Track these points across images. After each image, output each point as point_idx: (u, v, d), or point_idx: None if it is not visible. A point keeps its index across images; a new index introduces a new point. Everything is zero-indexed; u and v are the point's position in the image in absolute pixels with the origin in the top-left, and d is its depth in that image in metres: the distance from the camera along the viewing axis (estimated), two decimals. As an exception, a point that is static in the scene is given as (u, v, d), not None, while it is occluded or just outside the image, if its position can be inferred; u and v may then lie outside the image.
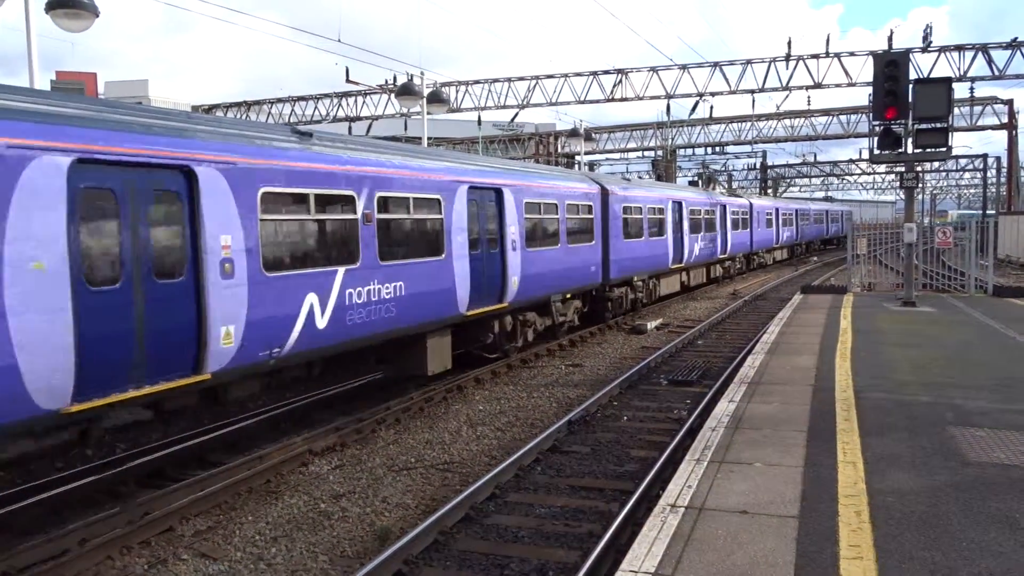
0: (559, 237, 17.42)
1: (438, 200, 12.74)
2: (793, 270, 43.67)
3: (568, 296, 18.18)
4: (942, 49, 33.09)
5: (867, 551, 5.17)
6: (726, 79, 36.12)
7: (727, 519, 5.80)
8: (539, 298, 16.35)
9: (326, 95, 42.72)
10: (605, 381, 14.50)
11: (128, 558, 7.35)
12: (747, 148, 60.70)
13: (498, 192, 14.77)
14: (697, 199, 29.94)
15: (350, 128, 41.07)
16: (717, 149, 57.54)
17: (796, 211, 50.96)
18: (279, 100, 43.91)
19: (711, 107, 45.32)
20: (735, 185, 76.39)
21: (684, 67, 36.64)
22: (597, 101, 37.96)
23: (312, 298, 9.87)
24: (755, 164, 73.26)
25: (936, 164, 63.83)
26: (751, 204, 39.20)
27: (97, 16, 13.15)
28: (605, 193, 20.33)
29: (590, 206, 19.20)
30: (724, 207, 33.35)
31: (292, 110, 43.44)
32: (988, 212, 55.64)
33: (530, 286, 15.68)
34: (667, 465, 9.13)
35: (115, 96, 41.93)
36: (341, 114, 42.25)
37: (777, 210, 45.40)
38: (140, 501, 8.26)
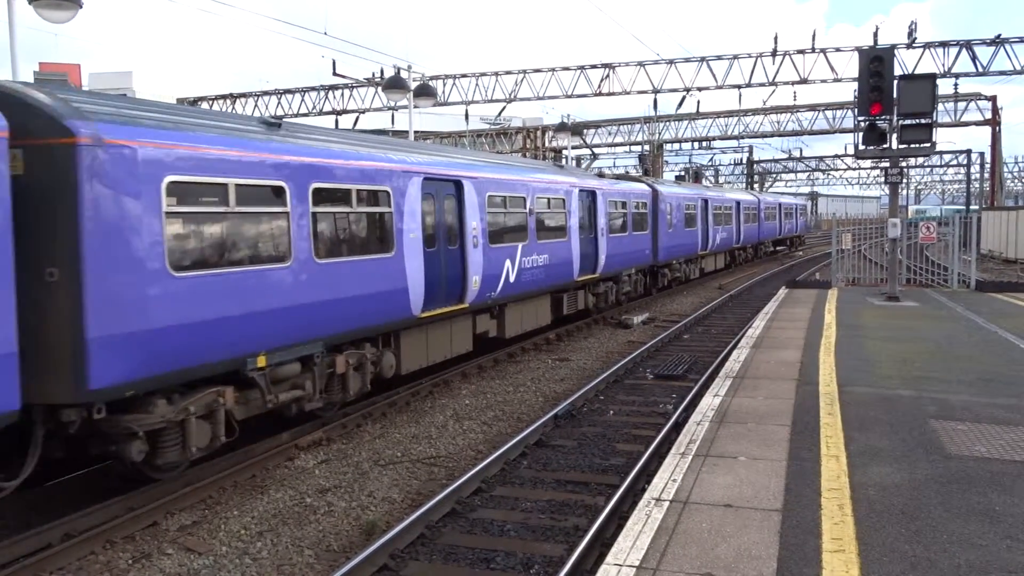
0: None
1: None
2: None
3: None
4: (927, 45, 33.29)
5: (849, 544, 5.22)
6: (713, 74, 36.20)
7: (711, 512, 5.84)
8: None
9: (312, 88, 42.51)
10: (591, 375, 14.54)
11: (112, 552, 7.32)
12: (733, 143, 60.97)
13: (458, 184, 13.59)
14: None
15: (336, 122, 40.91)
16: (704, 144, 57.77)
17: (737, 204, 38.31)
18: (265, 93, 43.65)
19: (698, 102, 45.49)
20: (722, 180, 76.65)
21: (671, 62, 36.70)
22: (585, 95, 37.97)
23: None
24: (742, 159, 73.55)
25: (920, 159, 64.22)
26: (658, 192, 26.15)
27: (80, 7, 13.03)
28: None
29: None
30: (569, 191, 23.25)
31: (279, 103, 43.20)
32: (971, 207, 56.02)
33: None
34: (652, 459, 9.17)
35: (98, 88, 41.50)
36: (328, 108, 42.05)
37: (706, 202, 32.38)
38: (124, 495, 8.21)
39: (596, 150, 50.16)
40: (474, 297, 13.85)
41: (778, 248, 53.46)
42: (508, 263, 15.10)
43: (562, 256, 17.85)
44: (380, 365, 11.58)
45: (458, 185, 13.60)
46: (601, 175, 23.93)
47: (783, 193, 79.53)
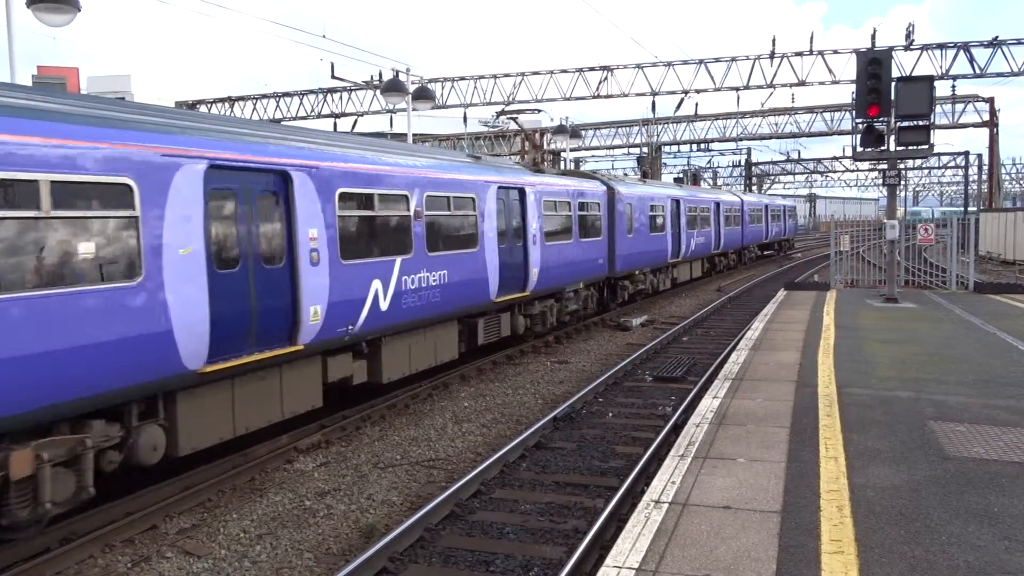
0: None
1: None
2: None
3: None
4: (924, 47, 33.35)
5: (848, 545, 5.23)
6: (711, 76, 36.26)
7: (710, 514, 5.84)
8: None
9: (311, 91, 42.55)
10: (591, 377, 14.55)
11: (111, 556, 7.32)
12: (732, 145, 61.03)
13: (284, 176, 9.83)
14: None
15: (335, 124, 40.94)
16: (702, 146, 57.81)
17: (716, 205, 34.77)
18: (264, 96, 43.69)
19: (696, 104, 45.61)
20: (720, 183, 76.68)
21: (669, 64, 36.75)
22: (583, 98, 38.04)
23: None
24: (740, 162, 73.60)
25: (918, 161, 64.29)
26: (615, 191, 22.23)
27: (79, 11, 13.02)
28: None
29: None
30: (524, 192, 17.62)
31: (277, 106, 43.23)
32: (969, 209, 56.06)
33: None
34: (652, 461, 9.18)
35: (97, 91, 41.54)
36: (326, 110, 42.09)
37: (678, 203, 28.89)
38: (122, 499, 8.21)
39: (594, 152, 50.10)
40: (313, 335, 9.87)
41: (766, 252, 49.64)
42: (378, 284, 11.24)
43: (472, 271, 13.99)
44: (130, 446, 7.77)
45: (285, 178, 9.60)
46: (540, 170, 20.30)
47: (774, 194, 77.35)
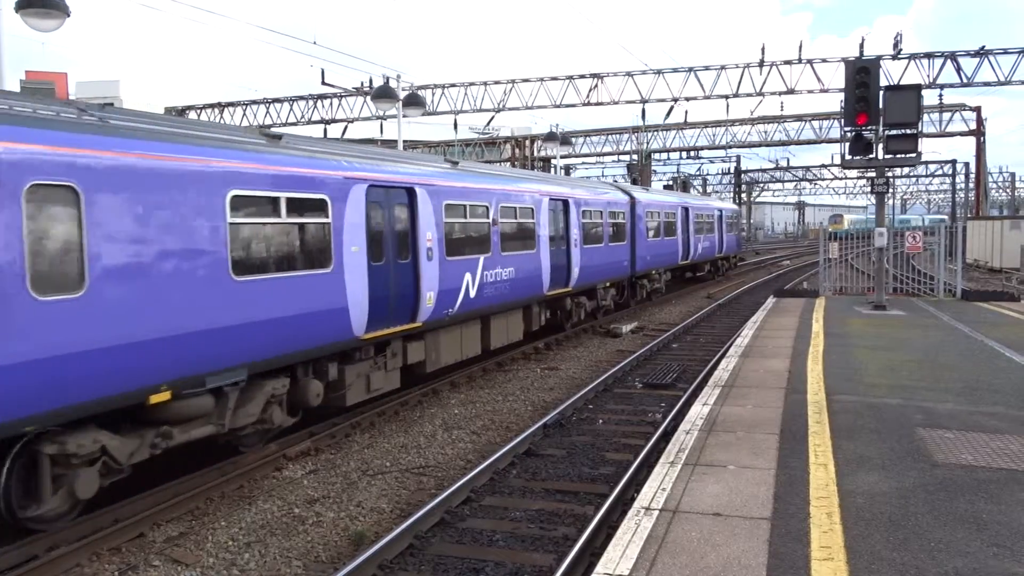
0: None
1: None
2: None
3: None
4: (912, 56, 33.65)
5: (838, 552, 5.24)
6: (701, 84, 36.47)
7: (700, 521, 5.84)
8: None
9: (301, 97, 42.54)
10: (580, 384, 14.54)
11: (98, 564, 7.26)
12: (721, 153, 61.30)
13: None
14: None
15: (325, 131, 40.91)
16: (692, 154, 58.05)
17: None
18: (253, 102, 43.62)
19: (686, 112, 45.79)
20: (710, 190, 76.93)
21: (659, 72, 36.93)
22: (573, 105, 38.16)
23: None
24: (730, 169, 73.93)
25: (906, 169, 64.72)
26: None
27: (68, 15, 12.97)
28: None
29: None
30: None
31: (267, 112, 43.17)
32: (942, 216, 56.39)
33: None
34: (642, 468, 9.18)
35: (86, 97, 41.36)
36: (316, 117, 42.07)
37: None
38: (110, 506, 8.14)
39: (585, 160, 50.23)
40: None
41: (698, 274, 34.65)
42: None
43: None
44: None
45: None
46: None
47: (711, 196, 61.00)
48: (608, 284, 22.09)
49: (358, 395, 11.43)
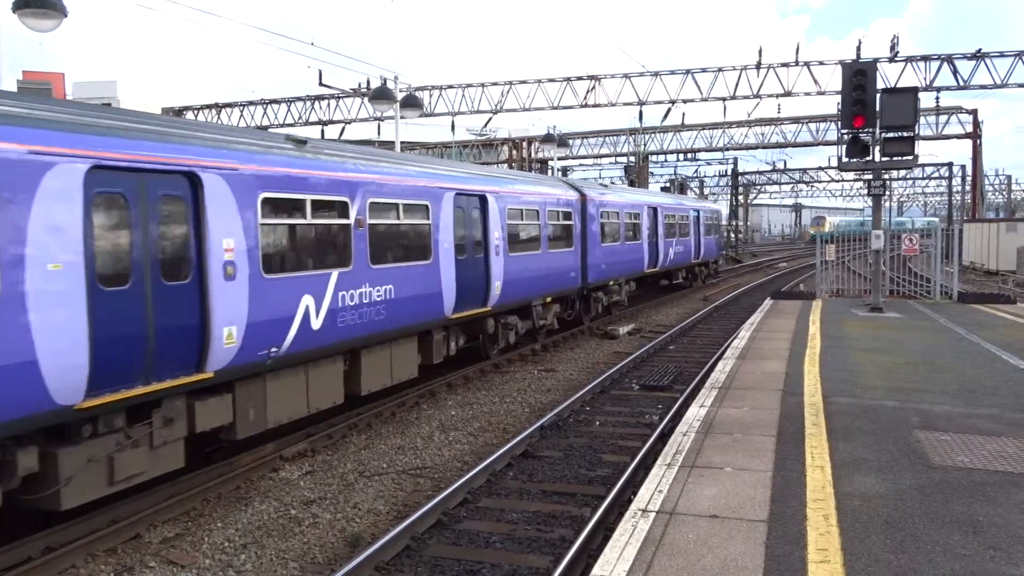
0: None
1: None
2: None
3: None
4: (909, 59, 33.68)
5: (834, 554, 5.24)
6: (698, 86, 36.46)
7: (697, 523, 5.85)
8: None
9: (299, 98, 42.50)
10: (578, 386, 14.55)
11: (93, 566, 7.24)
12: (719, 155, 61.34)
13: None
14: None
15: (322, 132, 40.87)
16: (689, 156, 58.10)
17: (655, 209, 27.55)
18: (251, 103, 43.58)
19: (683, 114, 45.87)
20: (706, 192, 76.96)
21: (656, 74, 36.94)
22: (570, 107, 38.14)
23: None
24: (727, 171, 73.92)
25: (903, 172, 64.83)
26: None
27: (65, 16, 12.97)
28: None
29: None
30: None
31: (264, 113, 43.13)
32: (934, 218, 56.49)
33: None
34: (639, 470, 9.17)
35: (83, 97, 41.29)
36: (314, 118, 42.03)
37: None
38: (106, 508, 8.13)
39: (582, 161, 50.24)
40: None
41: (673, 282, 32.01)
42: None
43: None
44: None
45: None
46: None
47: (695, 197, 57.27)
48: (549, 299, 18.53)
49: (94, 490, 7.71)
